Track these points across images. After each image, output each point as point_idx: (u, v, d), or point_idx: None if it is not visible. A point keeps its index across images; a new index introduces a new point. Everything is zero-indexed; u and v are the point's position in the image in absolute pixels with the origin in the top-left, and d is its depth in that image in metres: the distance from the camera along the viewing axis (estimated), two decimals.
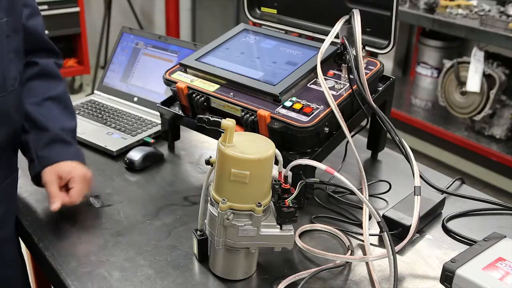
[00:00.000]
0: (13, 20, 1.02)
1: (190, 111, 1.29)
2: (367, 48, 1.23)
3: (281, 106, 1.14)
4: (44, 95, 1.17)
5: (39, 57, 1.18)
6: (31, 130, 1.13)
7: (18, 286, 1.18)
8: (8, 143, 1.07)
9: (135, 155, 1.32)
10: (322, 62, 1.18)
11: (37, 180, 1.13)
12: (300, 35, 1.43)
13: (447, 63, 3.21)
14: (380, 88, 1.25)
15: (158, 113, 1.40)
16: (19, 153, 1.17)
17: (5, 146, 1.07)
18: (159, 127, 1.46)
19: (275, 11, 1.45)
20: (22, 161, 1.16)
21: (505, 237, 0.97)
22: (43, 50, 1.20)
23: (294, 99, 1.15)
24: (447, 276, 0.89)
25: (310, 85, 1.20)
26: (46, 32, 1.22)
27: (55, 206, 1.06)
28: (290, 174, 0.97)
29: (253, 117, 1.14)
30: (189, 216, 1.14)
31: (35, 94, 1.16)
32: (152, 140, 1.43)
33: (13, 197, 1.14)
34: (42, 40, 1.19)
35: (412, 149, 1.12)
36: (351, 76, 1.14)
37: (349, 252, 1.03)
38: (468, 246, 1.00)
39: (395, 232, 1.07)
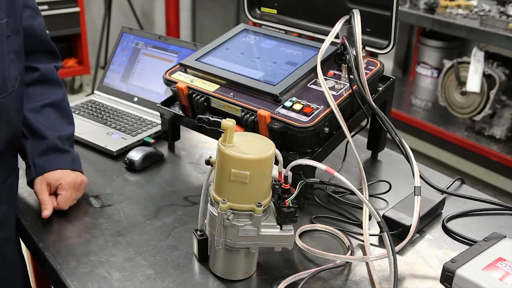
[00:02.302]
0: (13, 21, 1.02)
1: (190, 111, 1.29)
2: (367, 48, 1.23)
3: (281, 106, 1.14)
4: (43, 101, 1.18)
5: (39, 61, 1.19)
6: (29, 137, 1.15)
7: (18, 286, 1.18)
8: (9, 143, 1.07)
9: (135, 155, 1.32)
10: (322, 62, 1.18)
11: (32, 185, 1.16)
12: (300, 35, 1.43)
13: (447, 63, 3.21)
14: (380, 88, 1.25)
15: (158, 113, 1.41)
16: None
17: (6, 147, 1.07)
18: (159, 127, 1.46)
19: (275, 11, 1.45)
20: (22, 161, 1.16)
21: (505, 237, 0.97)
22: (44, 52, 1.21)
23: (294, 99, 1.15)
24: (447, 276, 0.89)
25: (310, 85, 1.20)
26: (46, 32, 1.22)
27: (46, 213, 1.10)
28: (290, 174, 0.97)
29: (253, 117, 1.14)
30: (189, 216, 1.14)
31: (34, 100, 1.17)
32: (152, 140, 1.43)
33: (14, 197, 1.14)
34: (43, 41, 1.19)
35: (412, 149, 1.12)
36: (351, 76, 1.14)
37: (349, 252, 1.03)
38: (468, 246, 1.00)
39: (395, 232, 1.07)
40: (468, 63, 3.02)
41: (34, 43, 1.15)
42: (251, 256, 0.95)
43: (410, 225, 1.03)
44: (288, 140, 1.13)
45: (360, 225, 1.11)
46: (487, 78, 2.98)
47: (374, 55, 1.30)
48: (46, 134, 1.15)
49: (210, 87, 1.23)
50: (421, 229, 1.12)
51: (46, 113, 1.18)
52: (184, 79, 1.27)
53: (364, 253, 1.04)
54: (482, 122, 3.10)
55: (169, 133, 1.39)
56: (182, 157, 1.40)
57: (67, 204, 1.14)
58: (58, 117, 1.20)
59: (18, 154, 1.17)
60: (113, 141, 1.42)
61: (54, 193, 1.14)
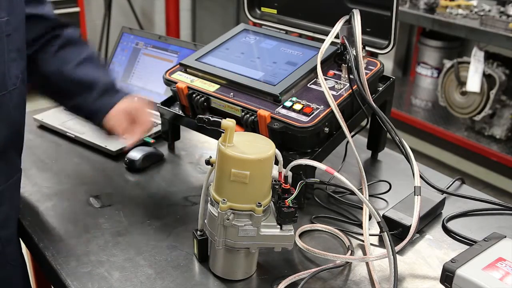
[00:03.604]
0: (14, 19, 1.02)
1: (190, 111, 1.29)
2: (367, 48, 1.23)
3: (281, 106, 1.14)
4: (78, 58, 1.20)
5: (58, 30, 1.21)
6: (78, 92, 1.18)
7: (18, 285, 1.18)
8: (10, 142, 1.07)
9: (135, 155, 1.32)
10: (322, 62, 1.18)
11: (104, 129, 1.20)
12: (300, 35, 1.43)
13: (447, 63, 3.21)
14: (380, 88, 1.25)
15: (158, 113, 1.40)
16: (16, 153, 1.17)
17: (7, 146, 1.06)
18: (159, 127, 1.46)
19: (275, 11, 1.45)
20: (22, 162, 1.16)
21: (505, 237, 0.97)
22: (60, 27, 1.23)
23: (294, 99, 1.15)
24: (447, 276, 0.89)
25: (310, 85, 1.20)
26: None
27: (130, 142, 1.18)
28: (290, 174, 0.97)
29: (253, 117, 1.14)
30: (189, 216, 1.14)
31: (69, 61, 1.19)
32: (152, 140, 1.43)
33: (16, 197, 1.14)
34: (56, 23, 1.21)
35: (412, 149, 1.12)
36: (351, 76, 1.14)
37: (349, 252, 1.03)
38: (468, 246, 1.00)
39: (395, 232, 1.07)
40: (468, 63, 3.02)
41: (49, 26, 1.18)
42: (251, 256, 0.95)
43: (410, 225, 1.03)
44: (288, 140, 1.13)
45: (360, 225, 1.11)
46: (487, 78, 2.98)
47: (374, 55, 1.30)
48: (94, 80, 1.18)
49: (210, 87, 1.23)
50: (421, 229, 1.12)
51: (85, 66, 1.20)
52: (184, 79, 1.27)
53: (364, 253, 1.04)
54: (482, 122, 3.10)
55: (169, 133, 1.39)
56: (182, 157, 1.40)
57: (150, 122, 1.21)
58: (98, 67, 1.23)
59: (18, 152, 1.16)
60: (113, 141, 1.41)
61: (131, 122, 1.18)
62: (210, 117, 0.91)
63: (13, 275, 1.15)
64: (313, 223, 1.12)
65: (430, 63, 3.58)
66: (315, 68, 1.19)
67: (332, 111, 1.10)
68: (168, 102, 1.37)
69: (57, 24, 1.22)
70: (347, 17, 1.16)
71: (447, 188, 1.25)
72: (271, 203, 0.94)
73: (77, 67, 1.19)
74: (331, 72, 1.21)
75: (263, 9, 1.48)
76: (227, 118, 0.88)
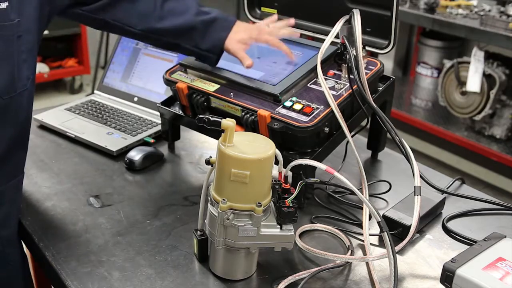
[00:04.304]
0: (26, 21, 1.01)
1: (190, 111, 1.29)
2: (367, 48, 1.23)
3: (281, 106, 1.14)
4: (154, 3, 1.19)
5: None
6: (185, 36, 1.20)
7: (19, 285, 1.18)
8: (15, 143, 1.06)
9: (135, 155, 1.32)
10: (322, 62, 1.18)
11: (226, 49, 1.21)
12: (300, 35, 1.43)
13: (447, 63, 3.21)
14: (380, 88, 1.25)
15: (158, 113, 1.41)
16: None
17: (12, 147, 1.06)
18: (159, 127, 1.46)
19: (275, 11, 1.45)
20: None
21: (505, 237, 0.97)
22: None
23: (294, 99, 1.15)
24: (447, 276, 0.89)
25: (310, 85, 1.20)
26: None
27: (248, 62, 1.18)
28: (290, 174, 0.97)
29: (253, 117, 1.14)
30: (189, 216, 1.14)
31: (152, 11, 1.19)
32: (152, 140, 1.43)
33: (18, 197, 1.14)
34: None
35: (412, 149, 1.12)
36: (351, 76, 1.14)
37: (349, 252, 1.03)
38: (468, 246, 1.00)
39: (395, 232, 1.07)
40: (468, 63, 3.02)
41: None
42: (251, 256, 0.95)
43: (410, 225, 1.03)
44: (288, 140, 1.13)
45: (360, 225, 1.11)
46: (487, 78, 2.98)
47: (374, 55, 1.30)
48: (191, 19, 1.19)
49: (210, 87, 1.23)
50: (421, 229, 1.12)
51: (169, 6, 1.20)
52: (184, 79, 1.27)
53: (364, 253, 1.04)
54: (482, 122, 3.10)
55: (169, 133, 1.39)
56: (182, 157, 1.40)
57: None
58: (178, 2, 1.22)
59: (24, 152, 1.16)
60: (113, 141, 1.42)
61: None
62: (210, 117, 0.91)
63: (14, 275, 1.15)
64: (313, 223, 1.12)
65: (430, 63, 3.57)
66: (315, 68, 1.19)
67: (332, 111, 1.10)
68: (168, 102, 1.37)
69: None
70: (347, 17, 1.17)
71: (447, 188, 1.25)
72: (271, 203, 0.94)
73: (160, 14, 1.18)
74: (331, 72, 1.21)
75: (263, 9, 1.48)
76: (227, 118, 0.88)
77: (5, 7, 0.96)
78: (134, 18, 1.19)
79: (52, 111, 1.57)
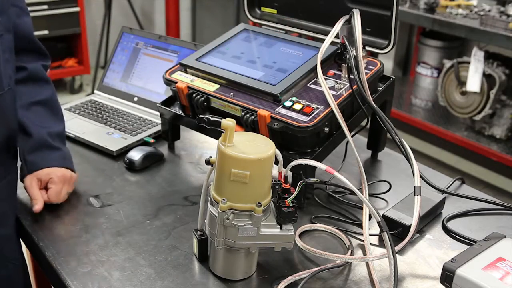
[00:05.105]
0: (6, 20, 1.03)
1: (190, 111, 1.29)
2: (367, 48, 1.23)
3: (281, 106, 1.14)
4: (32, 99, 1.18)
5: (27, 60, 1.19)
6: (19, 134, 1.15)
7: (19, 284, 1.18)
8: (6, 141, 1.09)
9: (135, 155, 1.32)
10: (322, 62, 1.18)
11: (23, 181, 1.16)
12: (300, 35, 1.43)
13: (447, 63, 3.21)
14: (380, 88, 1.25)
15: (158, 113, 1.41)
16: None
17: (3, 144, 1.08)
18: (159, 127, 1.46)
19: (275, 11, 1.45)
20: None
21: (505, 237, 0.97)
22: (31, 51, 1.21)
23: (294, 99, 1.15)
24: (447, 276, 0.89)
25: (310, 85, 1.20)
26: (46, 32, 1.23)
27: (37, 207, 1.10)
28: (290, 174, 0.97)
29: (253, 117, 1.14)
30: (189, 216, 1.14)
31: (23, 99, 1.17)
32: (152, 140, 1.43)
33: (13, 194, 1.14)
34: (30, 40, 1.20)
35: (412, 149, 1.12)
36: (351, 76, 1.14)
37: (349, 252, 1.03)
38: (468, 246, 1.00)
39: (395, 232, 1.07)
40: (468, 63, 3.02)
41: (20, 42, 1.15)
42: (251, 256, 0.95)
43: (410, 225, 1.03)
44: (288, 140, 1.13)
45: (360, 225, 1.11)
46: (487, 78, 2.98)
47: (374, 55, 1.30)
48: (35, 131, 1.15)
49: (210, 87, 1.23)
50: (421, 229, 1.12)
51: (34, 111, 1.18)
52: (184, 79, 1.27)
53: (364, 253, 1.04)
54: (482, 122, 3.10)
55: (169, 133, 1.39)
56: (182, 157, 1.40)
57: (58, 198, 1.13)
58: (48, 115, 1.20)
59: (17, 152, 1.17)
60: (113, 141, 1.42)
61: (45, 188, 1.14)
62: (210, 117, 0.91)
63: (13, 274, 1.15)
64: (313, 223, 1.12)
65: (430, 63, 3.57)
66: (315, 68, 1.19)
67: (332, 111, 1.10)
68: (168, 102, 1.37)
69: (32, 47, 1.19)
70: (347, 17, 1.17)
71: (447, 188, 1.25)
72: (271, 203, 0.94)
73: (27, 109, 1.17)
74: (331, 72, 1.21)
75: (263, 9, 1.48)
76: (227, 118, 0.88)
77: None
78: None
79: None
